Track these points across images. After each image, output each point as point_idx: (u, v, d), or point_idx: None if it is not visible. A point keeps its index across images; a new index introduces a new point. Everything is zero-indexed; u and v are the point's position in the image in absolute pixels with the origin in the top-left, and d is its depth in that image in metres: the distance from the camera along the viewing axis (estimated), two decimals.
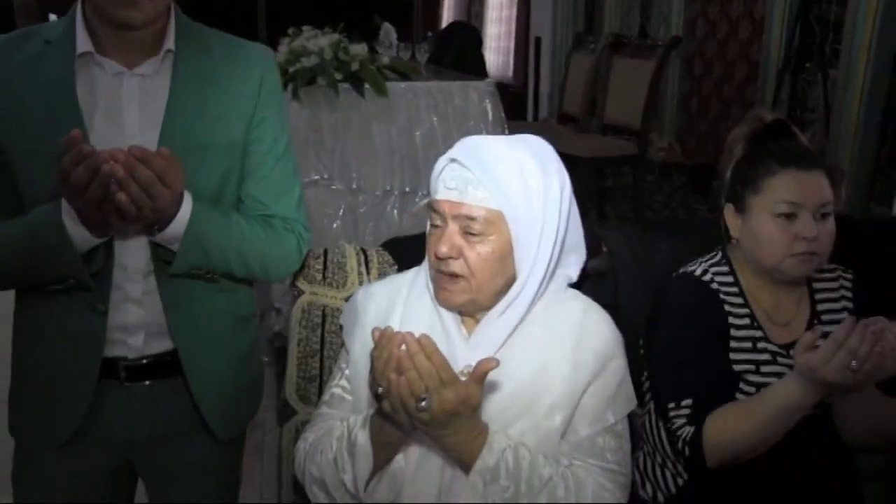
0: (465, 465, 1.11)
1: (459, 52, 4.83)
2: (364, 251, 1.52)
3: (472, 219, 1.15)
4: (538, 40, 6.81)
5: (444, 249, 1.16)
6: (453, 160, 1.18)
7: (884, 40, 3.13)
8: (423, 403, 1.02)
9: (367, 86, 3.12)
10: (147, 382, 1.27)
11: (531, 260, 1.18)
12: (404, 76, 3.33)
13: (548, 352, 1.19)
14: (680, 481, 1.46)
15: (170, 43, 1.20)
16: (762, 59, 4.11)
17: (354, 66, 3.13)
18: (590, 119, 4.45)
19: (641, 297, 1.57)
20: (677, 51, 4.62)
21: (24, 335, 1.28)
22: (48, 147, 1.12)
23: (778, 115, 1.47)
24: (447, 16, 10.33)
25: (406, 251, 1.54)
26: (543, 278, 1.20)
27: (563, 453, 1.16)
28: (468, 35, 5.41)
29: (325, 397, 1.30)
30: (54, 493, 1.30)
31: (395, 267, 1.52)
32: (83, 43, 1.17)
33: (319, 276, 1.46)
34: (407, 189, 3.26)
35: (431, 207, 1.21)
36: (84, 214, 1.07)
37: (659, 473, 1.50)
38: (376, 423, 1.13)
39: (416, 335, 1.03)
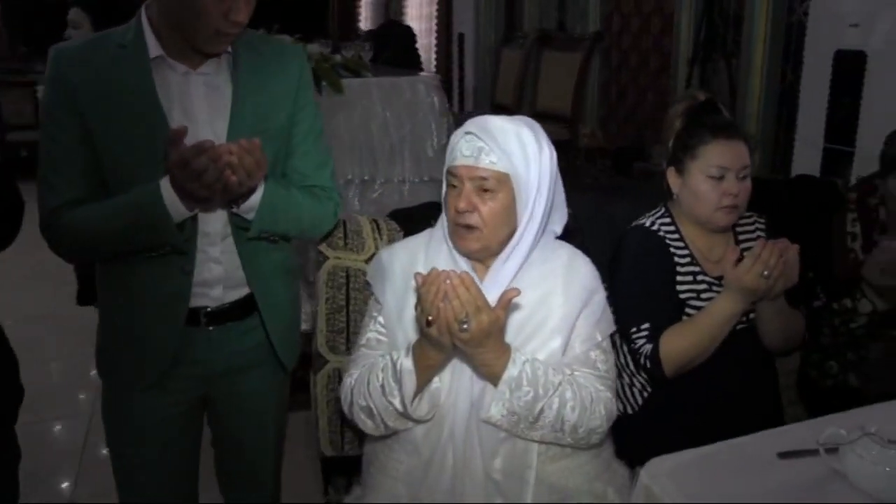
0: (494, 378, 1.39)
1: (396, 49, 5.10)
2: (375, 220, 1.80)
3: (485, 179, 1.44)
4: (461, 36, 7.16)
5: (462, 205, 1.45)
6: (468, 133, 1.47)
7: (775, 33, 3.60)
8: (465, 326, 1.30)
9: (324, 83, 3.37)
10: (224, 325, 1.54)
11: (528, 213, 1.48)
12: (356, 73, 3.60)
13: (546, 287, 1.49)
14: (645, 394, 1.81)
15: (228, 47, 1.46)
16: (673, 51, 4.56)
17: (311, 66, 3.37)
18: (521, 109, 4.80)
19: (603, 248, 1.87)
20: (600, 43, 5.03)
21: (117, 295, 1.52)
22: (134, 136, 1.39)
23: (708, 94, 1.83)
24: (364, 14, 10.55)
25: (408, 219, 1.84)
26: (539, 230, 1.50)
27: (565, 365, 1.47)
28: (403, 33, 5.71)
29: (362, 341, 1.56)
30: (142, 426, 1.56)
31: (401, 232, 1.81)
32: (154, 48, 1.41)
33: (341, 243, 1.74)
34: (366, 178, 3.53)
35: (450, 172, 1.49)
36: (192, 193, 1.32)
37: (628, 391, 1.84)
38: (419, 349, 1.39)
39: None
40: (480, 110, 6.11)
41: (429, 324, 1.32)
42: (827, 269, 1.89)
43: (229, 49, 1.46)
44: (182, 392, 1.57)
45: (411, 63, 5.17)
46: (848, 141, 2.97)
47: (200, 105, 1.45)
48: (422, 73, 4.23)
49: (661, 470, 1.24)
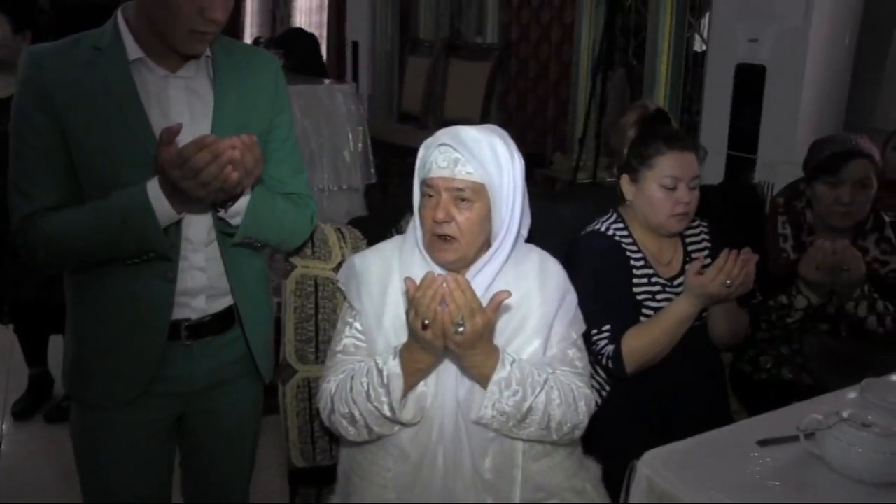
0: (483, 379, 1.41)
1: (300, 56, 5.04)
2: (339, 229, 1.79)
3: (461, 189, 1.46)
4: (356, 45, 7.13)
5: (440, 215, 1.46)
6: (443, 144, 1.49)
7: (678, 45, 3.83)
8: (461, 329, 1.32)
9: None
10: (204, 339, 1.49)
11: (505, 223, 1.51)
12: None
13: (523, 290, 1.53)
14: (604, 393, 1.88)
15: (207, 50, 1.43)
16: (574, 60, 4.73)
17: None
18: (428, 117, 4.84)
19: (555, 252, 1.95)
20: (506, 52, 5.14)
21: (92, 307, 1.44)
22: (113, 138, 1.34)
23: (657, 105, 1.92)
24: (250, 22, 10.33)
25: (369, 227, 1.84)
26: (514, 238, 1.54)
27: (546, 364, 1.51)
28: (307, 40, 5.63)
29: (339, 348, 1.54)
30: (115, 446, 1.48)
31: (365, 240, 1.80)
32: (133, 50, 1.36)
33: (309, 252, 1.71)
34: None
35: (426, 183, 1.50)
36: (187, 191, 1.26)
37: None
38: (407, 353, 1.40)
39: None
40: (381, 119, 6.11)
41: (424, 327, 1.33)
42: (761, 269, 2.01)
43: (209, 53, 1.43)
44: (158, 410, 1.50)
45: (316, 71, 5.12)
46: (750, 148, 3.19)
47: (180, 108, 1.41)
48: (328, 81, 4.21)
49: (657, 460, 1.31)
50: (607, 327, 1.78)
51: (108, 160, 1.35)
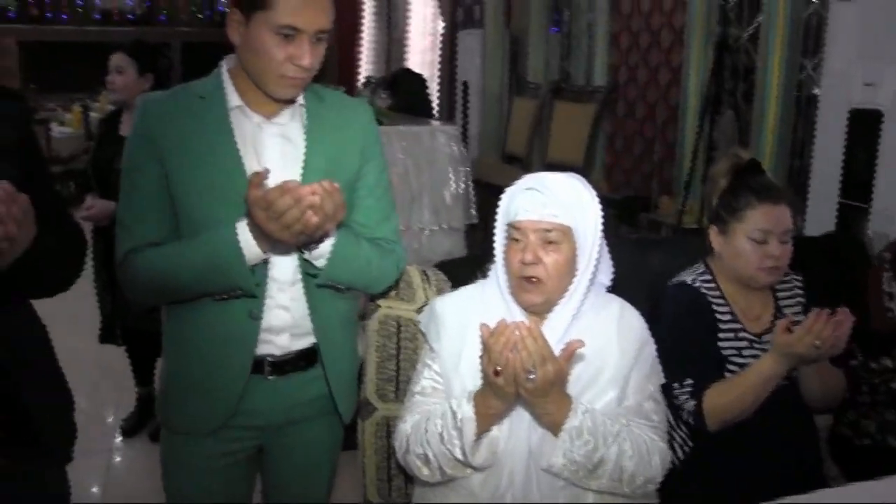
0: (555, 427, 1.42)
1: (408, 96, 5.20)
2: (424, 271, 1.84)
3: (549, 231, 1.49)
4: (466, 84, 7.27)
5: (529, 257, 1.49)
6: (529, 189, 1.52)
7: (788, 87, 3.71)
8: (532, 376, 1.34)
9: None
10: (286, 375, 1.56)
11: (584, 265, 1.53)
12: (377, 121, 3.67)
13: (600, 339, 1.53)
14: (686, 448, 1.82)
15: (301, 98, 1.52)
16: (681, 103, 4.66)
17: None
18: (532, 158, 4.86)
19: (640, 302, 1.92)
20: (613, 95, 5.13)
21: (183, 340, 1.55)
22: (210, 179, 1.45)
23: (751, 154, 1.88)
24: (364, 59, 10.72)
25: (455, 270, 1.87)
26: (589, 281, 1.54)
27: (620, 416, 1.50)
28: (415, 80, 5.79)
29: (416, 388, 1.58)
30: (197, 473, 1.58)
31: (449, 283, 1.84)
32: (233, 98, 1.48)
33: (393, 293, 1.76)
34: None
35: (513, 226, 1.52)
36: (271, 234, 1.34)
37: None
38: (481, 398, 1.42)
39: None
40: (489, 159, 6.18)
41: (496, 374, 1.35)
42: (862, 328, 1.91)
43: (302, 101, 1.52)
44: (239, 441, 1.58)
45: (422, 111, 5.26)
46: (863, 197, 3.04)
47: (273, 154, 1.50)
48: (437, 122, 4.32)
49: None
50: (689, 381, 1.74)
51: (204, 200, 1.46)
